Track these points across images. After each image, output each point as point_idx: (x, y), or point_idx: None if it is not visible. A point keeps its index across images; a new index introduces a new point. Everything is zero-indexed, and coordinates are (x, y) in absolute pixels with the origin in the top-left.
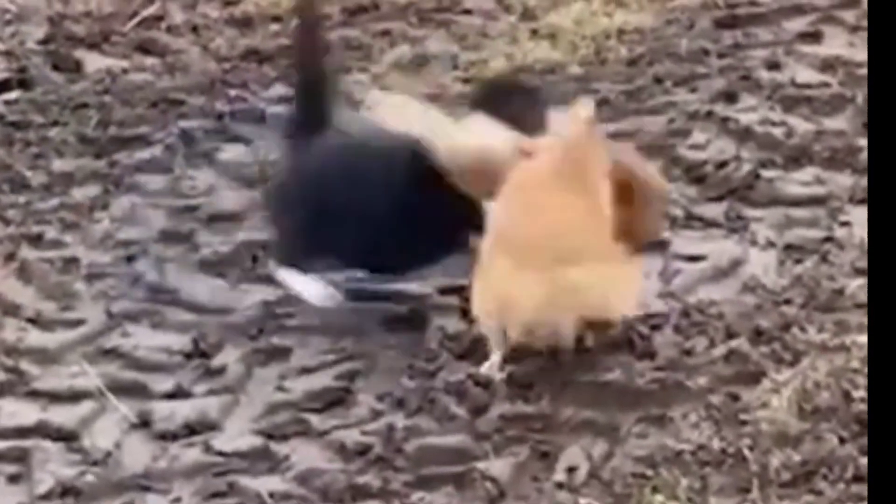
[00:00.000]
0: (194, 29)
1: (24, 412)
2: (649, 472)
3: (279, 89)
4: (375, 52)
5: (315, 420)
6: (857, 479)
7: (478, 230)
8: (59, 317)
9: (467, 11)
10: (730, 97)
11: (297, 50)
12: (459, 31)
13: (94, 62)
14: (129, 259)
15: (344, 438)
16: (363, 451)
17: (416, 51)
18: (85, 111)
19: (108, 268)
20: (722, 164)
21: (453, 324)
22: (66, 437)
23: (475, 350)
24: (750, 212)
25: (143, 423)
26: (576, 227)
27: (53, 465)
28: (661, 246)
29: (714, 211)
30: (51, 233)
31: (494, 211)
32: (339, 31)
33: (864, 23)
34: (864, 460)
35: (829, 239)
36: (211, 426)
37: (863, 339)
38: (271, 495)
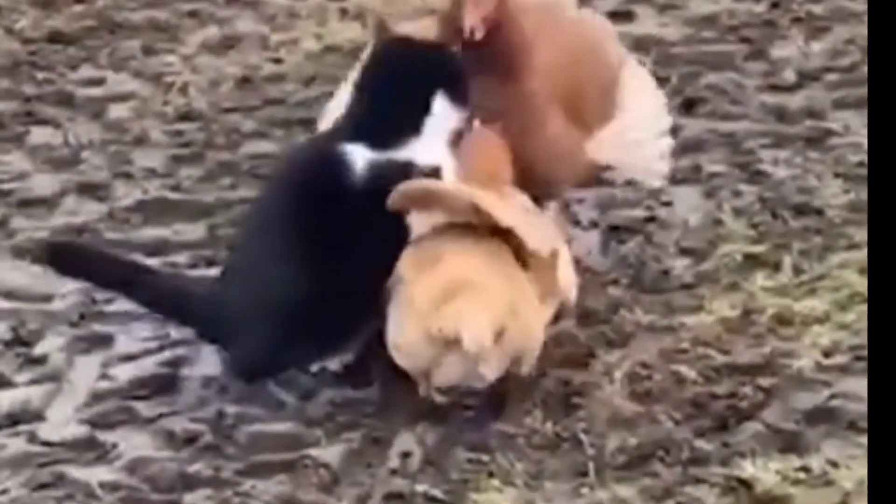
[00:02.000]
0: None
1: None
2: (485, 458)
3: (87, 71)
4: (183, 34)
5: (141, 407)
6: (692, 461)
7: None
8: None
9: None
10: None
11: None
12: (268, 12)
13: None
14: None
15: (172, 426)
16: (192, 438)
17: (224, 31)
18: None
19: None
20: None
21: None
22: None
23: None
24: (572, 192)
25: None
26: None
27: None
28: None
29: None
30: None
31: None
32: (144, 12)
33: (675, 1)
34: (698, 443)
35: (651, 219)
36: (35, 416)
37: (690, 319)
38: (101, 486)
